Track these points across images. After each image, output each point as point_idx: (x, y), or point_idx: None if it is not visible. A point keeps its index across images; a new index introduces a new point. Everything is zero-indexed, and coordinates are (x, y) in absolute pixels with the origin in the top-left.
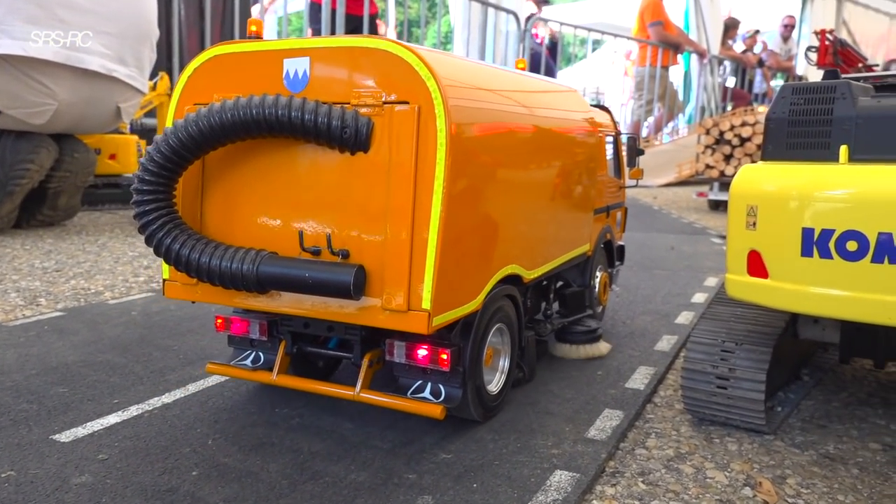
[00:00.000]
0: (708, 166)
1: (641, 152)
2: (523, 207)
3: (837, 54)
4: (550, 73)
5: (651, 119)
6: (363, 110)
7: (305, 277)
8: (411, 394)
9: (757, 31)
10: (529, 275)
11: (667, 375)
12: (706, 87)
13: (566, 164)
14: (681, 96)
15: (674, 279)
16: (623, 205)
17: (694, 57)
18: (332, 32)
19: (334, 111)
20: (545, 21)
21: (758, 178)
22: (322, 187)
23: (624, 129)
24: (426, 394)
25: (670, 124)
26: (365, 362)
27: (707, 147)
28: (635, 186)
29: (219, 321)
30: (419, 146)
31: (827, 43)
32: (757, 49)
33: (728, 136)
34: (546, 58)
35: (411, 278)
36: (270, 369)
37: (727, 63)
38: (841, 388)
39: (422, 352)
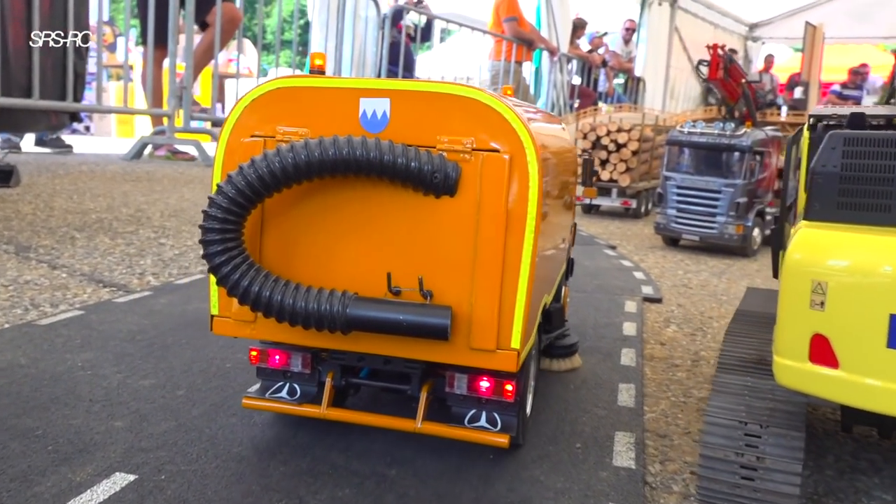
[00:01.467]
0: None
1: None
2: (553, 238)
3: (727, 70)
4: (410, 62)
5: None
6: (450, 155)
7: (400, 320)
8: (468, 422)
9: (605, 34)
10: (548, 300)
11: (646, 443)
12: (555, 84)
13: (567, 187)
14: (532, 91)
15: (594, 304)
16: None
17: (545, 54)
18: None
19: (425, 156)
20: (407, 10)
21: (826, 248)
22: (400, 228)
23: None
24: (483, 422)
25: None
26: (424, 394)
27: (584, 151)
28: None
29: (254, 353)
30: (509, 193)
31: (718, 57)
32: (601, 50)
33: (605, 140)
34: (406, 46)
35: (500, 319)
36: (310, 401)
37: (574, 61)
38: (822, 452)
39: (484, 384)
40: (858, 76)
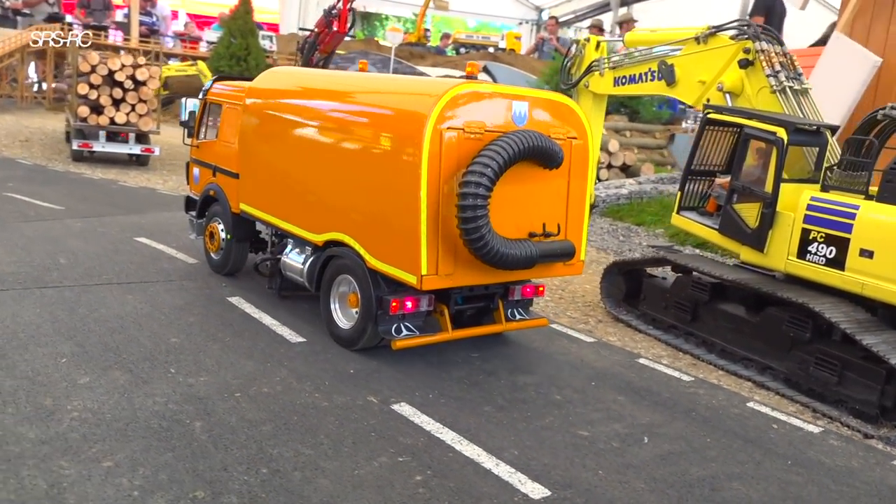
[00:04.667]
0: (93, 110)
1: None
2: None
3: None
4: None
5: None
6: (558, 140)
7: (556, 249)
8: (514, 317)
9: None
10: None
11: None
12: None
13: None
14: None
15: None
16: None
17: None
18: None
19: (556, 143)
20: None
21: None
22: (539, 192)
23: None
24: (523, 315)
25: None
26: (501, 304)
27: (92, 87)
28: None
29: (394, 303)
30: (583, 164)
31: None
32: None
33: (120, 76)
34: None
35: (581, 243)
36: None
37: None
38: None
39: (531, 290)
40: None
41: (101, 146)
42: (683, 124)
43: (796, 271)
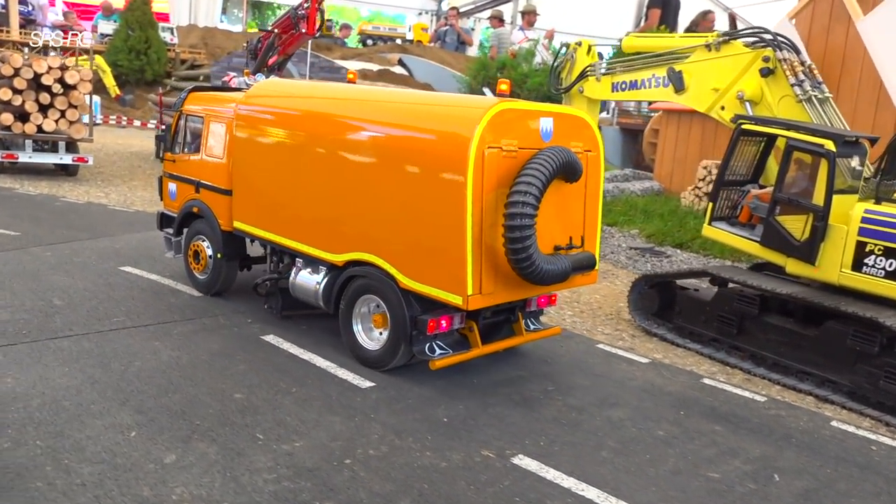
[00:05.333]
0: (17, 118)
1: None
2: None
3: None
4: None
5: None
6: (577, 154)
7: (585, 261)
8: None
9: None
10: None
11: None
12: None
13: None
14: None
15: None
16: None
17: None
18: None
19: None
20: None
21: None
22: (561, 206)
23: None
24: (537, 325)
25: None
26: (521, 316)
27: (16, 92)
28: None
29: (432, 323)
30: (598, 176)
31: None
32: None
33: (47, 80)
34: None
35: (597, 252)
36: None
37: None
38: None
39: (545, 300)
40: None
41: (27, 157)
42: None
43: (851, 283)
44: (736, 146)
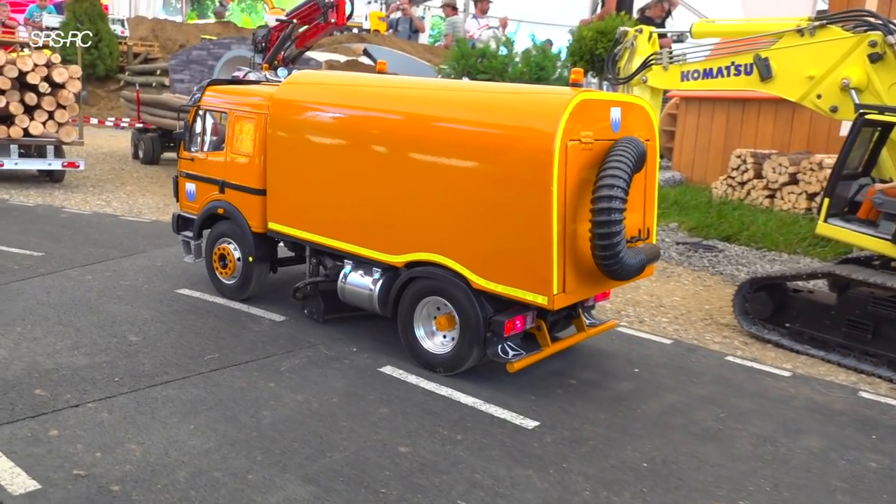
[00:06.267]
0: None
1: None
2: None
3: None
4: None
5: None
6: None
7: (654, 253)
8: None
9: None
10: None
11: None
12: None
13: None
14: None
15: None
16: None
17: None
18: None
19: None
20: None
21: None
22: (630, 198)
23: None
24: (594, 319)
25: None
26: (581, 311)
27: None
28: None
29: (508, 325)
30: (656, 164)
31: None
32: None
33: (33, 79)
34: None
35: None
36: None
37: None
38: None
39: (601, 294)
40: None
41: (13, 163)
42: None
43: None
44: (857, 138)
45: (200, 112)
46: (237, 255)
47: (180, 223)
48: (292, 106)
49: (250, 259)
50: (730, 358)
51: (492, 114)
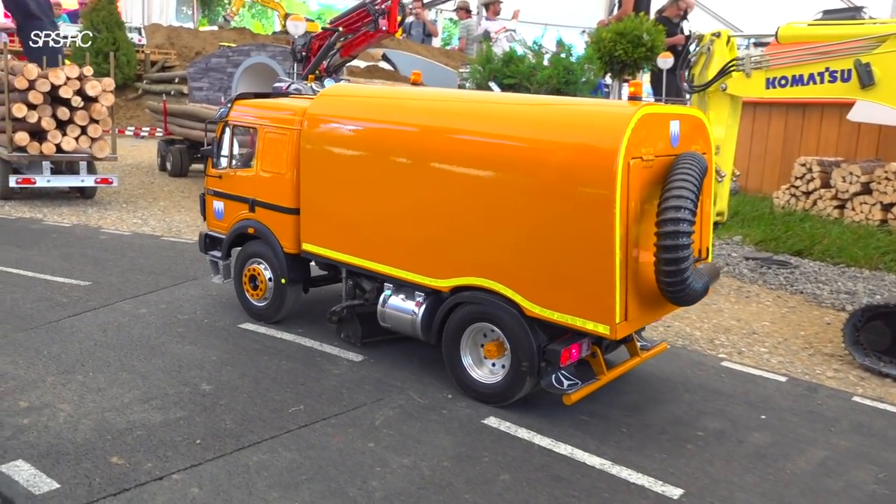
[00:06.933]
0: (33, 137)
1: None
2: None
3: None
4: None
5: None
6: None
7: (715, 274)
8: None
9: None
10: None
11: None
12: None
13: None
14: None
15: None
16: None
17: None
18: None
19: None
20: None
21: None
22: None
23: None
24: (645, 342)
25: None
26: (633, 335)
27: (31, 108)
28: None
29: (565, 354)
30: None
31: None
32: None
33: (65, 92)
34: None
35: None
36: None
37: None
38: None
39: None
40: None
41: (45, 181)
42: None
43: None
44: None
45: (228, 127)
46: (268, 275)
47: (207, 242)
48: (328, 121)
49: (283, 281)
50: (857, 399)
51: (547, 130)
